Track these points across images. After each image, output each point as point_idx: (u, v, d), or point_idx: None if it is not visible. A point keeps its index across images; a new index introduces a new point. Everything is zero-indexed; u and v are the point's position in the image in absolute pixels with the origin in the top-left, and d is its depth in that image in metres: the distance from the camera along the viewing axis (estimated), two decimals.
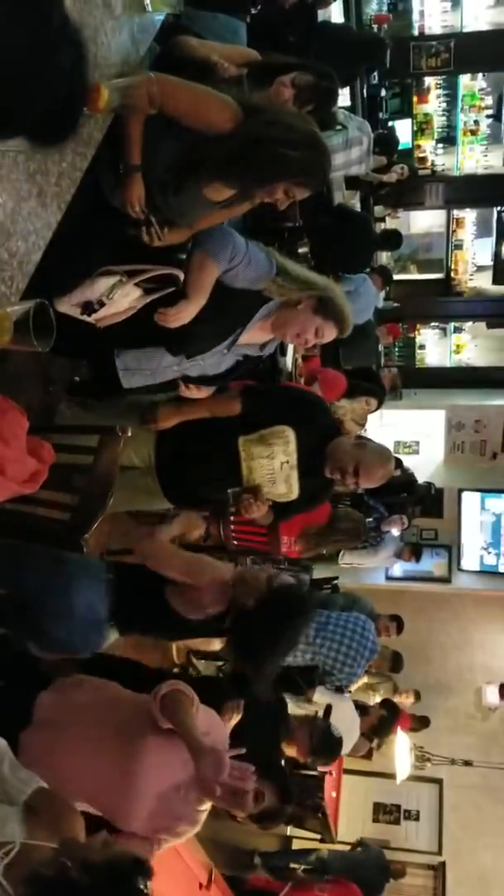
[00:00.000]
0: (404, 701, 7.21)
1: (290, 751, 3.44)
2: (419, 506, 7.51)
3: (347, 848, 7.03)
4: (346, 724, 4.75)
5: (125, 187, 2.13)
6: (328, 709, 3.59)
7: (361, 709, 5.55)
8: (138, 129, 2.08)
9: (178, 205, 2.26)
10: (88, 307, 2.35)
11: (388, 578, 8.38)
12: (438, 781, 8.07)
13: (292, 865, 6.12)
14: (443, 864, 7.63)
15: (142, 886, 1.52)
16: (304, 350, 4.59)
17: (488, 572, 8.79)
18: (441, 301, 9.56)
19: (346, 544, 4.34)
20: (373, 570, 8.06)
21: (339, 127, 5.08)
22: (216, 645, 2.69)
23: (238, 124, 2.11)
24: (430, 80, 8.85)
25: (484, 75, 8.75)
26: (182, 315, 2.42)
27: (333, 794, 6.19)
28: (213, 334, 2.64)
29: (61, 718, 2.18)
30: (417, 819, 7.87)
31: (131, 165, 2.10)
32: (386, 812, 8.00)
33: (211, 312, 2.52)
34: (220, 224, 2.58)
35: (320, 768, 5.23)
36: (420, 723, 7.57)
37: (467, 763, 7.93)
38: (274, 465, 2.80)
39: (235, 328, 2.66)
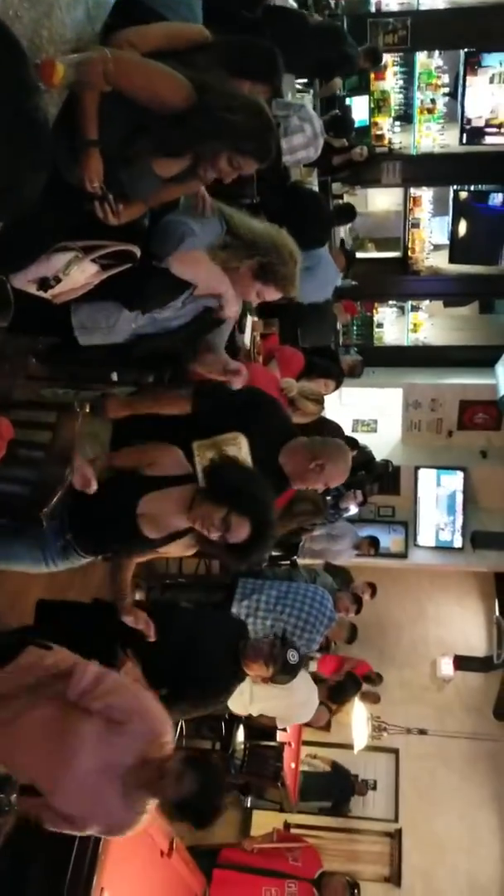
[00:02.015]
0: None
1: (252, 669, 3.47)
2: (377, 483, 7.61)
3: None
4: (304, 695, 4.84)
5: (82, 162, 2.12)
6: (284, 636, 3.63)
7: (315, 678, 5.65)
8: (94, 104, 2.07)
9: (130, 180, 2.26)
10: (45, 283, 2.33)
11: None
12: (395, 751, 8.27)
13: None
14: (399, 831, 7.84)
15: (6, 797, 1.67)
16: (262, 329, 4.62)
17: (443, 548, 8.98)
18: (398, 279, 9.64)
19: (310, 518, 4.41)
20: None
21: (276, 117, 5.05)
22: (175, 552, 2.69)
23: (191, 103, 2.11)
24: (387, 58, 8.85)
25: (440, 53, 8.79)
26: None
27: (293, 765, 6.29)
28: (168, 287, 2.63)
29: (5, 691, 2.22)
30: (375, 788, 8.05)
31: (88, 140, 2.09)
32: None
33: (161, 273, 2.54)
34: (168, 221, 2.58)
35: (279, 738, 5.33)
36: (377, 677, 7.73)
37: (422, 732, 8.13)
38: None
39: (189, 283, 2.67)
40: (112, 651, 2.84)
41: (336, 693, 5.71)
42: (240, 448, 2.74)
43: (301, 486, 3.03)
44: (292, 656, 3.48)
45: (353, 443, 6.88)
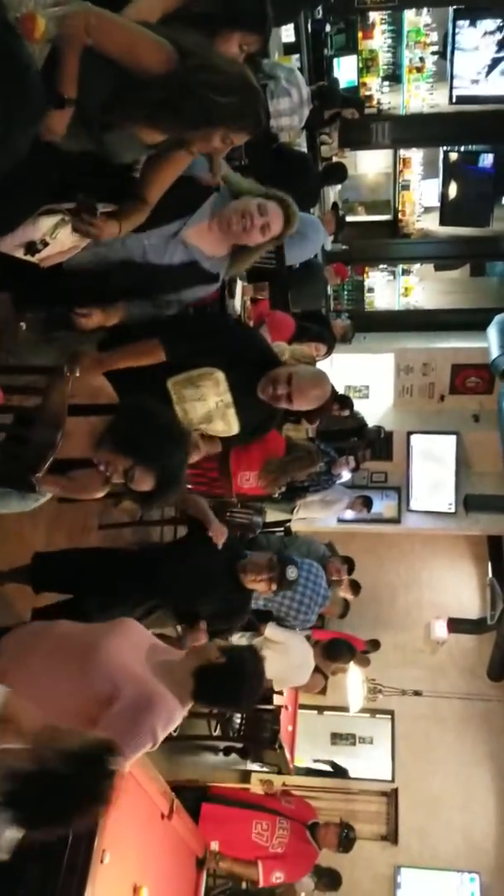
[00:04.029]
0: None
1: (253, 584, 3.56)
2: (369, 449, 7.61)
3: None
4: (300, 657, 4.89)
5: (53, 116, 2.06)
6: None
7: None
8: (75, 61, 2.02)
9: (112, 143, 2.22)
10: (31, 247, 2.30)
11: (340, 521, 8.53)
12: (390, 713, 8.38)
13: None
14: (395, 790, 7.98)
15: (113, 768, 1.66)
16: (253, 293, 4.58)
17: (435, 512, 9.00)
18: (389, 243, 9.56)
19: (305, 470, 4.43)
20: None
21: (262, 77, 4.96)
22: None
23: (171, 67, 2.06)
24: (374, 16, 8.71)
25: (428, 11, 8.64)
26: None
27: (290, 728, 6.37)
28: (160, 209, 2.58)
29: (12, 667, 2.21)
30: (372, 743, 8.19)
31: (66, 99, 2.03)
32: (342, 738, 8.40)
33: None
34: None
35: (276, 701, 5.38)
36: (372, 645, 7.79)
37: (417, 693, 8.23)
38: (208, 405, 2.77)
39: (183, 213, 2.63)
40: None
41: (330, 650, 5.74)
42: (216, 382, 2.69)
43: (267, 393, 2.89)
44: (291, 572, 3.55)
45: (347, 401, 6.88)
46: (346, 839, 5.01)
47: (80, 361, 2.62)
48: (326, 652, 5.68)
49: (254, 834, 4.62)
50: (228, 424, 2.87)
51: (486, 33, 8.07)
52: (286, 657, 4.67)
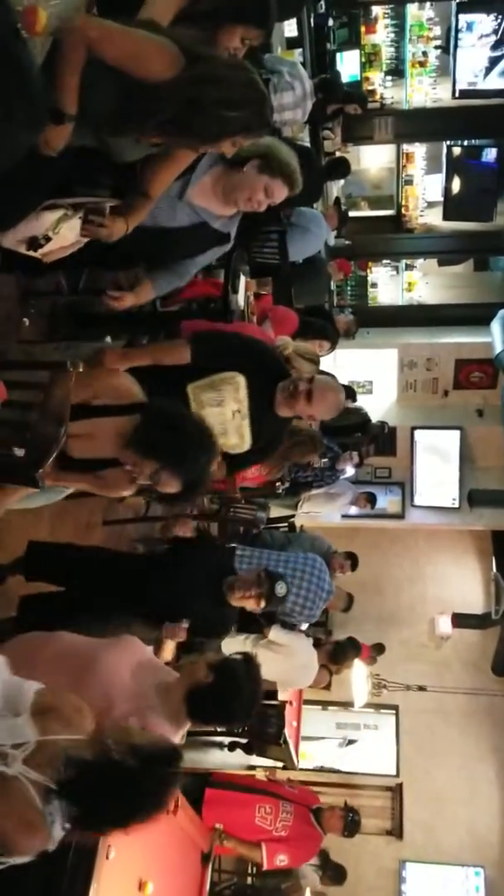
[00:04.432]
0: None
1: (241, 601, 3.53)
2: (373, 445, 7.61)
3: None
4: (305, 659, 4.89)
5: (52, 132, 1.99)
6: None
7: (316, 642, 5.69)
8: (74, 79, 1.96)
9: (116, 146, 2.21)
10: (34, 242, 2.30)
11: (344, 516, 8.52)
12: (394, 707, 8.38)
13: None
14: (400, 785, 7.98)
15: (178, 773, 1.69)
16: (256, 288, 4.57)
17: (439, 507, 8.99)
18: (392, 238, 9.53)
19: (307, 456, 4.42)
20: None
21: (264, 72, 4.95)
22: None
23: (178, 73, 2.04)
24: (377, 10, 8.66)
25: (431, 4, 8.57)
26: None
27: (294, 724, 6.36)
28: None
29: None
30: (377, 729, 8.23)
31: (65, 115, 1.97)
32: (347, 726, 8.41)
33: None
34: None
35: (280, 697, 5.38)
36: (377, 650, 7.80)
37: (422, 688, 8.23)
38: (225, 413, 2.78)
39: (183, 172, 2.62)
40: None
41: (336, 654, 5.75)
42: (237, 388, 2.71)
43: (288, 406, 2.94)
44: (280, 588, 3.52)
45: (350, 391, 6.87)
46: (351, 823, 4.98)
47: (105, 355, 2.63)
48: (333, 656, 5.69)
49: (257, 817, 4.62)
50: (242, 438, 2.88)
51: (482, 36, 8.01)
52: (290, 659, 4.66)
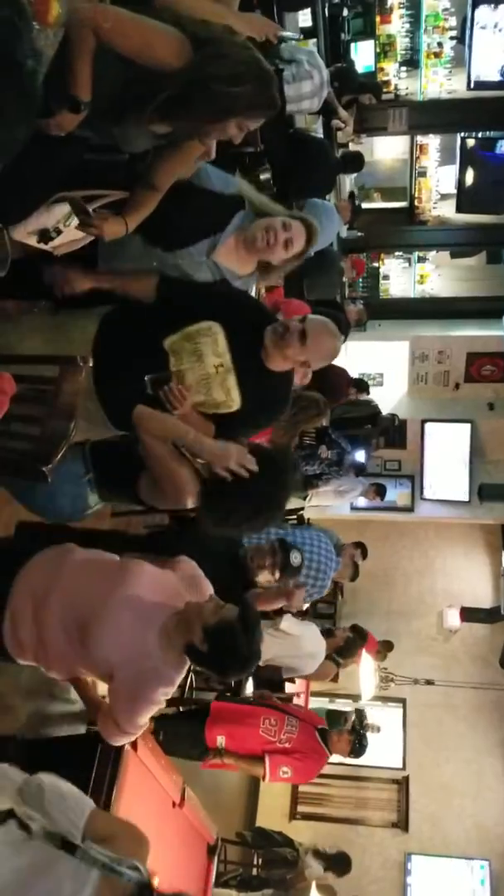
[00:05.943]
0: None
1: (258, 570, 3.50)
2: (383, 437, 7.59)
3: None
4: (312, 647, 4.90)
5: (66, 118, 2.00)
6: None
7: (327, 632, 5.70)
8: (87, 67, 1.96)
9: (122, 135, 2.20)
10: (45, 235, 2.30)
11: (353, 509, 8.52)
12: (402, 701, 8.40)
13: None
14: (406, 778, 8.01)
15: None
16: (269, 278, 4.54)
17: (449, 500, 8.97)
18: (405, 230, 9.48)
19: (314, 421, 4.37)
20: None
21: (280, 63, 4.92)
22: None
23: (186, 60, 2.02)
24: (392, 0, 8.59)
25: None
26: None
27: None
28: (190, 228, 2.59)
29: (55, 571, 2.35)
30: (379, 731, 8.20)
31: (80, 102, 1.98)
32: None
33: (187, 206, 2.53)
34: None
35: (288, 689, 5.39)
36: (385, 647, 7.81)
37: (429, 682, 8.24)
38: (206, 367, 2.56)
39: (212, 231, 2.62)
40: None
41: (344, 650, 5.76)
42: (215, 339, 2.52)
43: (279, 363, 2.66)
44: (294, 557, 3.49)
45: (363, 384, 6.85)
46: (358, 746, 4.92)
47: (71, 272, 2.52)
48: (341, 652, 5.70)
49: (262, 728, 4.57)
50: (228, 394, 2.62)
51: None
52: (299, 645, 4.67)
